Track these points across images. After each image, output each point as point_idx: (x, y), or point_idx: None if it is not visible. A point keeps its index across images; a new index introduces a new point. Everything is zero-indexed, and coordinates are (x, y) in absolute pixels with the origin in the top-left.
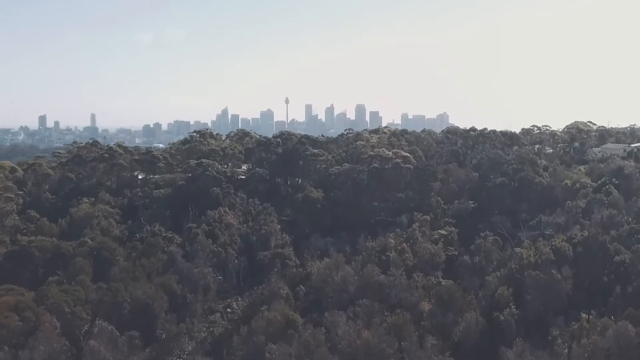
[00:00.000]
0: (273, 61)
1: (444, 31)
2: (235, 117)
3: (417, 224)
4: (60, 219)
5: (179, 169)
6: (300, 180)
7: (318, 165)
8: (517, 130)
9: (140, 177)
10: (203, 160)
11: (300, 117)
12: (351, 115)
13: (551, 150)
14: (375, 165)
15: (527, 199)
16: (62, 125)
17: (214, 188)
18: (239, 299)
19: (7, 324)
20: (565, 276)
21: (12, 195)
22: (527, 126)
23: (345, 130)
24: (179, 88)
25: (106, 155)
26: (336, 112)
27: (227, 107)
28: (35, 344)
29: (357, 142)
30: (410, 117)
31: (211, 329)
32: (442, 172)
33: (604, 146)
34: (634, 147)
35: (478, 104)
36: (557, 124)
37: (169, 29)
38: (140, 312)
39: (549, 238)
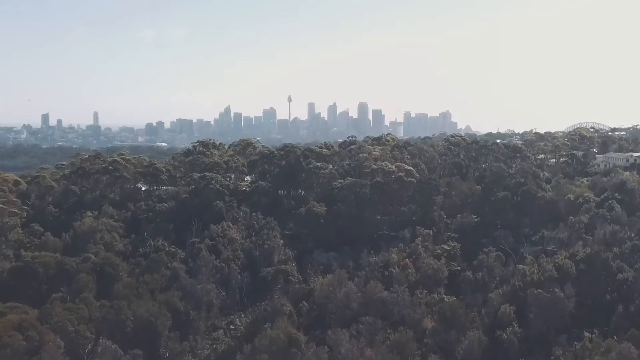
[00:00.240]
0: (275, 60)
1: (444, 31)
2: (237, 116)
3: (419, 238)
4: (64, 233)
5: (182, 182)
6: (303, 192)
7: (321, 179)
8: (517, 130)
9: (143, 188)
10: (206, 173)
11: (303, 115)
12: (354, 113)
13: (554, 161)
14: (378, 179)
15: (529, 213)
16: (65, 124)
17: (217, 202)
18: (242, 315)
19: (11, 344)
20: (568, 294)
21: (15, 210)
22: (528, 127)
23: (348, 137)
24: (182, 86)
25: (110, 167)
26: (339, 111)
27: (229, 105)
28: None
29: (360, 155)
30: (412, 115)
31: (214, 346)
32: (444, 185)
33: (607, 155)
34: (636, 157)
35: (478, 104)
36: (558, 124)
37: (172, 27)
38: (144, 330)
39: (551, 254)
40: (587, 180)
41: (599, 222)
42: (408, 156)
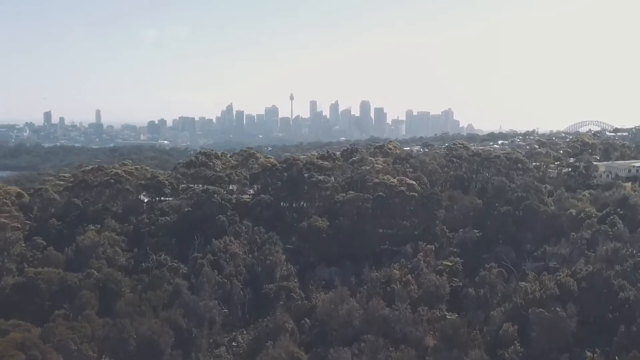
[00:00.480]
0: (277, 59)
1: (444, 31)
2: (240, 114)
3: (421, 253)
4: (66, 248)
5: (185, 195)
6: (305, 204)
7: (323, 192)
8: (519, 129)
9: (145, 200)
10: (209, 187)
11: (305, 113)
12: (356, 112)
13: (556, 172)
14: (380, 193)
15: (531, 227)
16: (68, 122)
17: (220, 216)
18: (244, 331)
19: None
20: (570, 314)
21: (18, 225)
22: (529, 125)
23: (350, 145)
24: (184, 84)
25: (112, 180)
26: (341, 109)
27: (231, 103)
28: None
29: (362, 168)
30: (415, 113)
31: None
32: (446, 199)
33: (609, 164)
34: (638, 167)
35: (479, 103)
36: (560, 123)
37: (173, 26)
38: (146, 348)
39: (553, 271)
40: (589, 194)
41: (601, 238)
42: (410, 169)
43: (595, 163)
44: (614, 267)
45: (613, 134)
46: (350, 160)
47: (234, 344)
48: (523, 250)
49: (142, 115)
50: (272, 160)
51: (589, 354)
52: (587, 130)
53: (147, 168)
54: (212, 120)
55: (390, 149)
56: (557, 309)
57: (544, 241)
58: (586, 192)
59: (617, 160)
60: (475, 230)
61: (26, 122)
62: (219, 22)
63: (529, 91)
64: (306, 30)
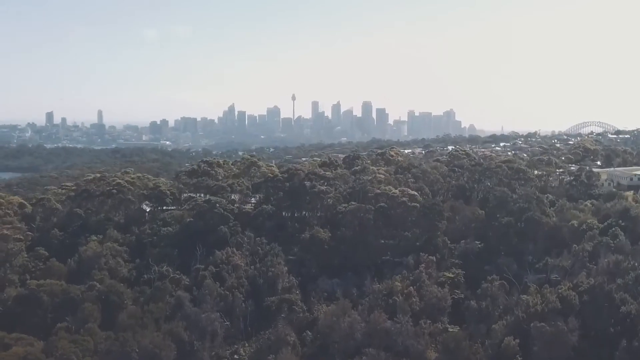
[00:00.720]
0: (279, 59)
1: (445, 31)
2: (242, 114)
3: (423, 265)
4: (69, 259)
5: (187, 206)
6: (307, 214)
7: (325, 202)
8: (521, 130)
9: (147, 209)
10: (211, 197)
11: (307, 113)
12: (358, 112)
13: (557, 181)
14: (382, 204)
15: (533, 239)
16: (70, 122)
17: (222, 226)
18: (246, 344)
19: None
20: (572, 328)
21: (21, 237)
22: (530, 126)
23: (352, 150)
24: (186, 84)
25: (114, 190)
26: (343, 109)
27: (233, 103)
28: None
29: (364, 178)
30: (416, 114)
31: None
32: (448, 210)
33: (610, 172)
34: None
35: (480, 104)
36: (562, 123)
37: (175, 26)
38: None
39: (555, 284)
40: (591, 204)
41: (603, 251)
42: (412, 179)
43: (596, 170)
44: (616, 280)
45: (615, 136)
46: (353, 169)
47: (235, 356)
48: (525, 262)
49: (144, 115)
50: (274, 168)
51: None
52: (590, 132)
53: (149, 177)
54: (214, 120)
55: (392, 155)
56: (559, 323)
57: (546, 253)
58: (588, 202)
59: (619, 166)
60: (476, 242)
61: (28, 123)
62: (221, 21)
63: (531, 91)
64: (307, 30)
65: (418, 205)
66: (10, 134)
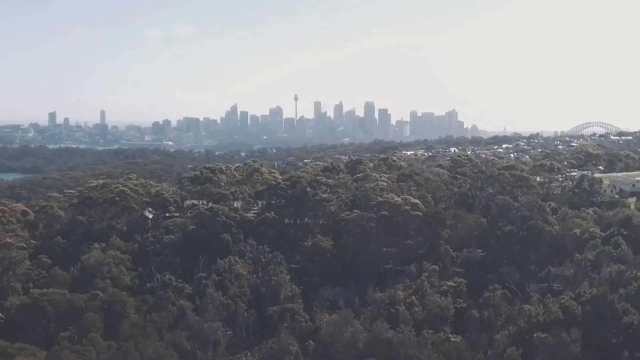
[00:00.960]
0: (281, 59)
1: (446, 31)
2: (244, 114)
3: (425, 274)
4: (71, 267)
5: (190, 213)
6: (309, 221)
7: (327, 209)
8: (523, 131)
9: (150, 216)
10: (213, 205)
11: (309, 114)
12: (360, 112)
13: (560, 188)
14: (384, 212)
15: (535, 247)
16: (72, 122)
17: (224, 234)
18: (249, 353)
19: None
20: (574, 338)
21: (24, 245)
22: (532, 126)
23: (354, 156)
24: (189, 85)
25: (117, 198)
26: (345, 110)
27: (236, 104)
28: None
29: (366, 185)
30: (419, 114)
31: None
32: (450, 217)
33: (613, 177)
34: None
35: (482, 104)
36: (564, 123)
37: (178, 25)
38: None
39: (557, 294)
40: (594, 212)
41: (605, 260)
42: (414, 187)
43: (599, 175)
44: (618, 291)
45: (617, 137)
46: (355, 176)
47: None
48: (527, 271)
49: (146, 115)
50: (276, 174)
51: None
52: (592, 133)
53: (152, 183)
54: (216, 120)
55: (394, 161)
56: (562, 334)
57: (548, 261)
58: (590, 210)
59: (622, 171)
60: (479, 250)
61: (31, 123)
62: (223, 21)
63: (533, 91)
64: (309, 30)
65: (420, 213)
66: (13, 134)
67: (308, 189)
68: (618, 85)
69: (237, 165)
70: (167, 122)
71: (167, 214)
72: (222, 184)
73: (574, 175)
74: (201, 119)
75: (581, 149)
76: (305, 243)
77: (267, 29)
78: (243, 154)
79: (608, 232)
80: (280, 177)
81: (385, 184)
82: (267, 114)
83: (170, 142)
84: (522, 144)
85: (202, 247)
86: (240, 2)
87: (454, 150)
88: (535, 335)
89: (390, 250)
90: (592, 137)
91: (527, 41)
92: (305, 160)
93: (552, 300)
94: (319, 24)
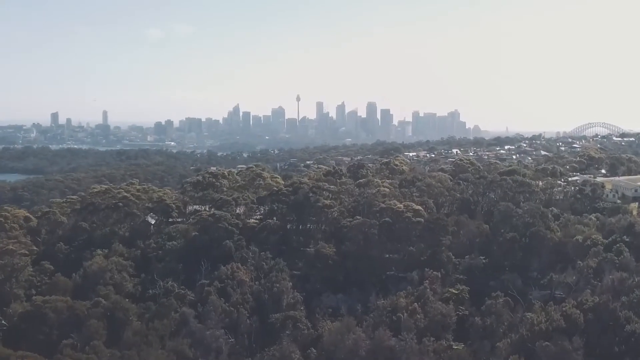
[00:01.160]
0: (283, 59)
1: (448, 32)
2: (246, 115)
3: (427, 281)
4: (74, 274)
5: (192, 220)
6: (311, 226)
7: (330, 215)
8: (525, 132)
9: (152, 221)
10: (216, 212)
11: (312, 114)
12: (362, 113)
13: (562, 194)
14: (386, 219)
15: (538, 254)
16: (75, 122)
17: (227, 241)
18: None
19: None
20: (576, 346)
21: (26, 252)
22: (534, 127)
23: (356, 158)
24: (190, 85)
25: (119, 204)
26: (347, 110)
27: (238, 104)
28: None
29: (369, 191)
30: (421, 114)
31: None
32: (453, 224)
33: (615, 182)
34: None
35: (483, 104)
36: (566, 124)
37: (179, 25)
38: None
39: (559, 301)
40: (596, 218)
41: (607, 267)
42: (416, 193)
43: (601, 179)
44: (620, 298)
45: (620, 139)
46: (357, 181)
47: None
48: (529, 278)
49: (148, 115)
50: (278, 180)
51: None
52: (594, 134)
53: (154, 188)
54: (218, 121)
55: (396, 165)
56: (564, 342)
57: (550, 268)
58: (592, 216)
59: (624, 175)
60: (481, 257)
61: (33, 123)
62: (223, 22)
63: (535, 91)
64: (311, 30)
65: (422, 220)
66: (15, 135)
67: (310, 195)
68: (621, 85)
69: (239, 166)
70: (169, 123)
71: (169, 220)
72: (225, 189)
73: (577, 180)
74: (203, 119)
75: (583, 153)
76: (308, 249)
77: (267, 29)
78: (245, 155)
79: (610, 239)
80: (283, 182)
81: (387, 190)
82: (270, 114)
83: (172, 143)
84: (524, 145)
85: (204, 253)
86: (240, 2)
87: (456, 152)
88: (537, 343)
89: (393, 256)
90: (595, 138)
91: (529, 40)
92: (308, 162)
93: (554, 308)
94: (319, 24)
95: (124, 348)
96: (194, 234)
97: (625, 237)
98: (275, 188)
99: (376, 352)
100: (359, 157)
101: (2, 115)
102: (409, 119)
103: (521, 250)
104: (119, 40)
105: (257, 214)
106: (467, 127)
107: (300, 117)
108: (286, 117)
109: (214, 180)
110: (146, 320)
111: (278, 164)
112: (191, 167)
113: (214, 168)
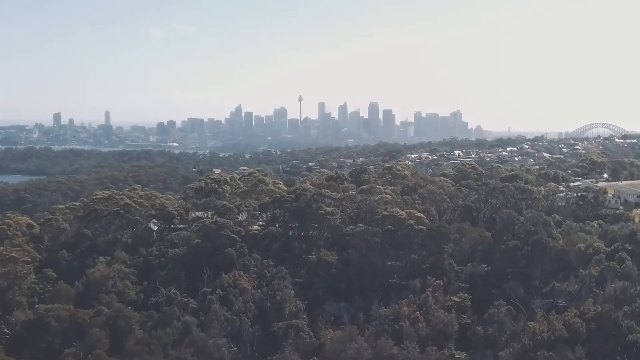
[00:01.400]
0: (285, 59)
1: (450, 32)
2: (248, 115)
3: (430, 289)
4: (76, 282)
5: (194, 227)
6: (313, 233)
7: (332, 223)
8: (527, 132)
9: (155, 228)
10: (218, 219)
11: (314, 115)
12: (364, 113)
13: (564, 200)
14: (389, 226)
15: (540, 262)
16: (77, 122)
17: (229, 249)
18: None
19: None
20: (578, 356)
21: (29, 259)
22: (536, 127)
23: (358, 160)
24: (192, 85)
25: (122, 211)
26: (349, 111)
27: (240, 104)
28: None
29: (371, 198)
30: (423, 115)
31: None
32: (455, 231)
33: (617, 187)
34: None
35: (485, 104)
36: (568, 124)
37: (179, 25)
38: None
39: (562, 310)
40: (598, 225)
41: (610, 276)
42: (419, 200)
43: (603, 183)
44: (623, 308)
45: (622, 140)
46: (360, 188)
47: None
48: (531, 286)
49: (151, 116)
50: (280, 185)
51: None
52: (596, 135)
53: (157, 194)
54: (220, 121)
55: (398, 170)
56: (567, 352)
57: (552, 276)
58: (595, 223)
59: (626, 179)
60: (483, 265)
61: (36, 124)
62: (223, 22)
63: (537, 91)
64: (312, 30)
65: (424, 227)
66: (18, 135)
67: (312, 202)
68: (623, 85)
69: (242, 168)
70: (171, 123)
71: (172, 226)
72: (227, 194)
73: (579, 185)
74: (206, 120)
75: (586, 157)
76: (310, 257)
77: (267, 29)
78: (247, 156)
79: (612, 247)
80: (285, 187)
81: (389, 196)
82: (272, 114)
83: (174, 143)
84: (527, 146)
85: (206, 261)
86: (240, 2)
87: (458, 154)
88: (539, 353)
89: (395, 264)
90: (597, 140)
91: (529, 40)
92: (310, 164)
93: (557, 317)
94: (319, 24)
95: (127, 357)
96: (196, 241)
97: (627, 245)
98: (277, 195)
99: None
100: (361, 159)
101: (5, 115)
102: (411, 119)
103: (523, 259)
104: (120, 40)
105: (260, 220)
106: (469, 128)
107: (303, 117)
108: (288, 118)
109: (216, 186)
110: (149, 329)
111: (280, 166)
112: (193, 169)
113: (217, 170)
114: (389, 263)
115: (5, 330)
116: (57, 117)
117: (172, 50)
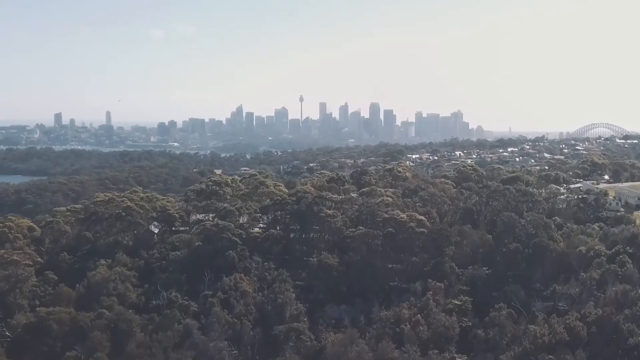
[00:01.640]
0: (286, 59)
1: (445, 31)
2: (249, 115)
3: (431, 292)
4: (77, 284)
5: (195, 230)
6: (314, 235)
7: (333, 225)
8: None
9: (156, 230)
10: (219, 222)
11: (315, 115)
12: (365, 113)
13: (565, 203)
14: (390, 229)
15: (541, 265)
16: (78, 123)
17: (230, 251)
18: None
19: None
20: None
21: (30, 262)
22: (536, 127)
23: (359, 160)
24: (192, 85)
25: (123, 213)
26: (350, 111)
27: (241, 104)
28: None
29: (372, 201)
30: (424, 115)
31: None
32: (456, 234)
33: (618, 189)
34: None
35: (486, 104)
36: (569, 124)
37: (180, 25)
38: None
39: (563, 313)
40: (599, 227)
41: (610, 279)
42: (420, 203)
43: (604, 185)
44: (624, 311)
45: (623, 141)
46: (360, 190)
47: None
48: (532, 289)
49: (152, 116)
50: (281, 187)
51: None
52: (597, 136)
53: (158, 196)
54: (221, 121)
55: (399, 172)
56: (567, 356)
57: (553, 279)
58: (596, 226)
59: (627, 181)
60: (484, 267)
61: (37, 124)
62: (223, 22)
63: (538, 91)
64: (313, 30)
65: (425, 230)
66: (19, 135)
67: (313, 205)
68: (624, 85)
69: (243, 169)
70: (172, 123)
71: (173, 229)
72: (228, 197)
73: (580, 187)
74: (206, 120)
75: (587, 158)
76: (311, 259)
77: (267, 29)
78: (248, 157)
79: (613, 250)
80: (286, 189)
81: (390, 199)
82: (273, 114)
83: (176, 143)
84: (527, 147)
85: (207, 263)
86: (240, 2)
87: (459, 154)
88: (540, 356)
89: (396, 267)
90: (598, 140)
91: (529, 40)
92: (311, 164)
93: (558, 321)
94: (319, 24)
95: None
96: (197, 244)
97: (628, 248)
98: (278, 197)
99: None
100: (362, 160)
101: (5, 115)
102: (412, 119)
103: (524, 261)
104: (120, 40)
105: (261, 223)
106: (470, 128)
107: (304, 117)
108: (289, 118)
109: (217, 188)
110: (150, 332)
111: (281, 166)
112: (194, 170)
113: (218, 171)
114: (390, 266)
115: (7, 333)
116: (58, 117)
117: (172, 50)
